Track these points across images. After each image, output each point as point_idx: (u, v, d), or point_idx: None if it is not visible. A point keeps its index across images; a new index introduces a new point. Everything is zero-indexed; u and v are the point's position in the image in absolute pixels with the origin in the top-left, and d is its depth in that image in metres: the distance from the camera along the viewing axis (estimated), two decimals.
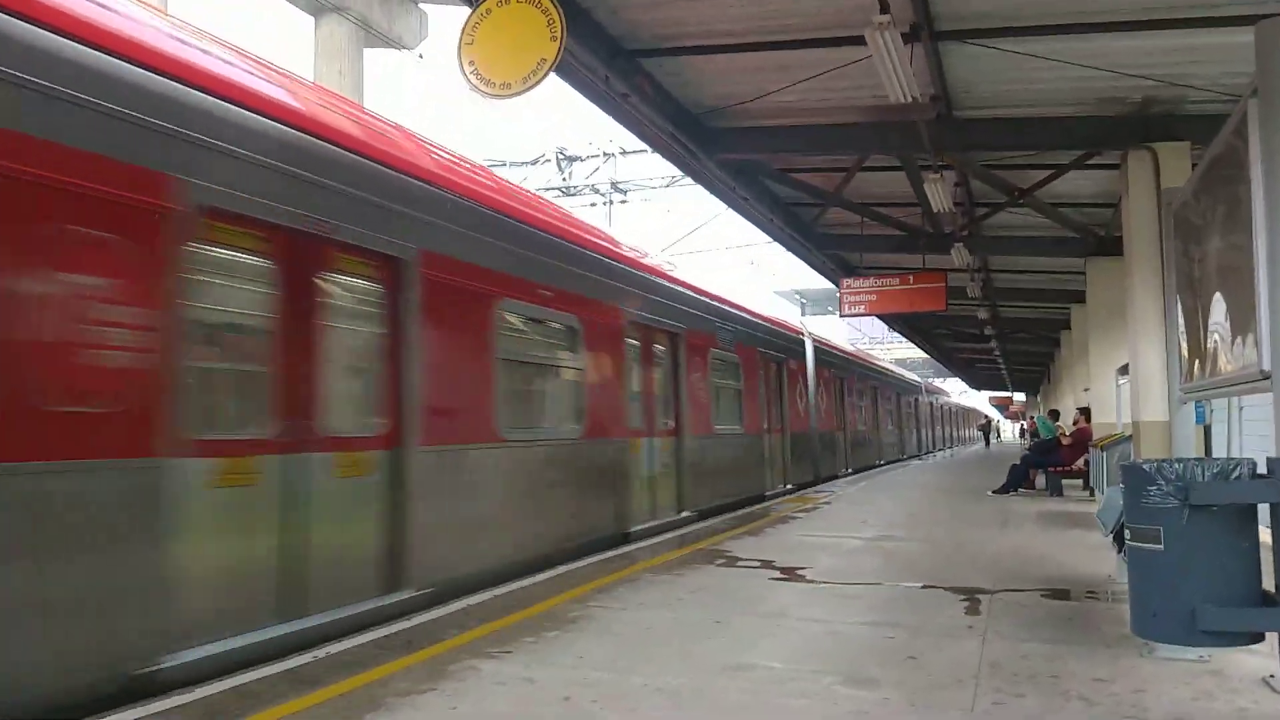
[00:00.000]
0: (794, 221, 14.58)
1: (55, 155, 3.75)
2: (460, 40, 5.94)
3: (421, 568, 5.71)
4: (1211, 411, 11.71)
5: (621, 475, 8.95)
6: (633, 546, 8.48)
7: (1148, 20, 7.39)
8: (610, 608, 5.67)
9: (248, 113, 4.72)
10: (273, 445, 4.87)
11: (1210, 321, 4.91)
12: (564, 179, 24.23)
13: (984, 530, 9.60)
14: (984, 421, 57.58)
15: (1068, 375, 21.74)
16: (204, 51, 4.74)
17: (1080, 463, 14.19)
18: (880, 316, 20.06)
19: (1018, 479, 14.55)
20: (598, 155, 24.11)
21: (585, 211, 22.47)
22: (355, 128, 5.80)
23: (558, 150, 24.13)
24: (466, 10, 6.15)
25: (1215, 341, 4.80)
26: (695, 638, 4.89)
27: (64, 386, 3.77)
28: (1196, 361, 5.33)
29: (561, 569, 7.09)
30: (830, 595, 6.08)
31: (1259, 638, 3.07)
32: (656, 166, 23.63)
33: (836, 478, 18.63)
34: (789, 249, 15.88)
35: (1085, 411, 15.13)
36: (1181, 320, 5.72)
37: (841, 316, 15.17)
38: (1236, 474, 3.00)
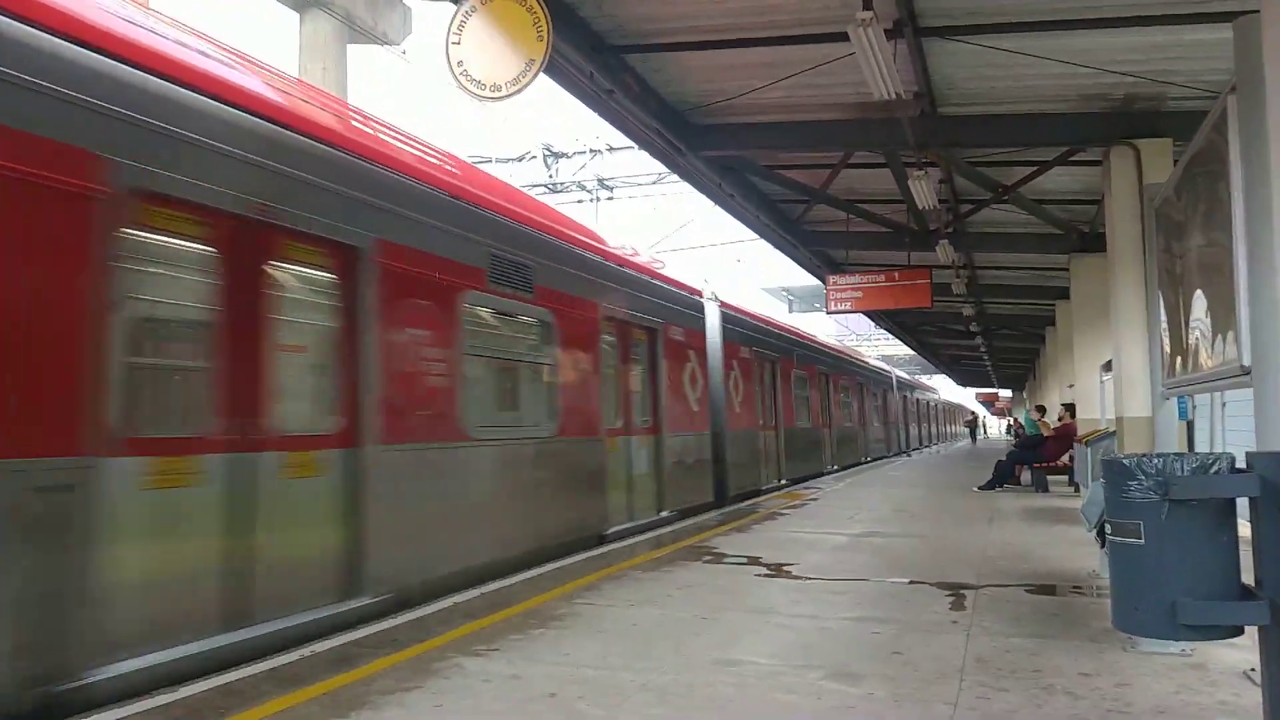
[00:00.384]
0: (780, 218, 14.61)
1: None
2: (447, 39, 5.92)
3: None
4: (1194, 407, 11.81)
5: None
6: (610, 547, 8.47)
7: (1130, 17, 7.44)
8: (597, 605, 5.67)
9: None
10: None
11: (1191, 318, 4.94)
12: (550, 175, 24.18)
13: (970, 526, 9.65)
14: (971, 417, 57.93)
15: (1053, 371, 21.86)
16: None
17: (1065, 458, 14.28)
18: (866, 313, 20.10)
19: (1004, 475, 14.64)
20: (584, 152, 24.08)
21: (571, 208, 22.45)
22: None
23: (544, 147, 24.08)
24: (451, 6, 6.13)
25: (1196, 337, 4.83)
26: (682, 634, 4.90)
27: None
28: (1178, 357, 5.36)
29: (548, 567, 7.09)
30: (817, 591, 6.10)
31: (1239, 631, 3.09)
32: (643, 163, 23.61)
33: (823, 474, 18.66)
34: (775, 246, 15.91)
35: (1070, 408, 15.22)
36: (1164, 316, 5.75)
37: (828, 313, 15.21)
38: (1215, 469, 3.01)
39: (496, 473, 7.02)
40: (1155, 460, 3.08)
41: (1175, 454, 3.13)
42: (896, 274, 14.31)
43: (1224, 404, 11.29)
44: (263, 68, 5.54)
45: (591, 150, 23.92)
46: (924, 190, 11.01)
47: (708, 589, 6.19)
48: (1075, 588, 6.11)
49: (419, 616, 5.37)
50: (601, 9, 7.87)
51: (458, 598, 5.88)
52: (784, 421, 16.40)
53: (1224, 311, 4.10)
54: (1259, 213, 3.57)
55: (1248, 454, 3.01)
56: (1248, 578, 3.07)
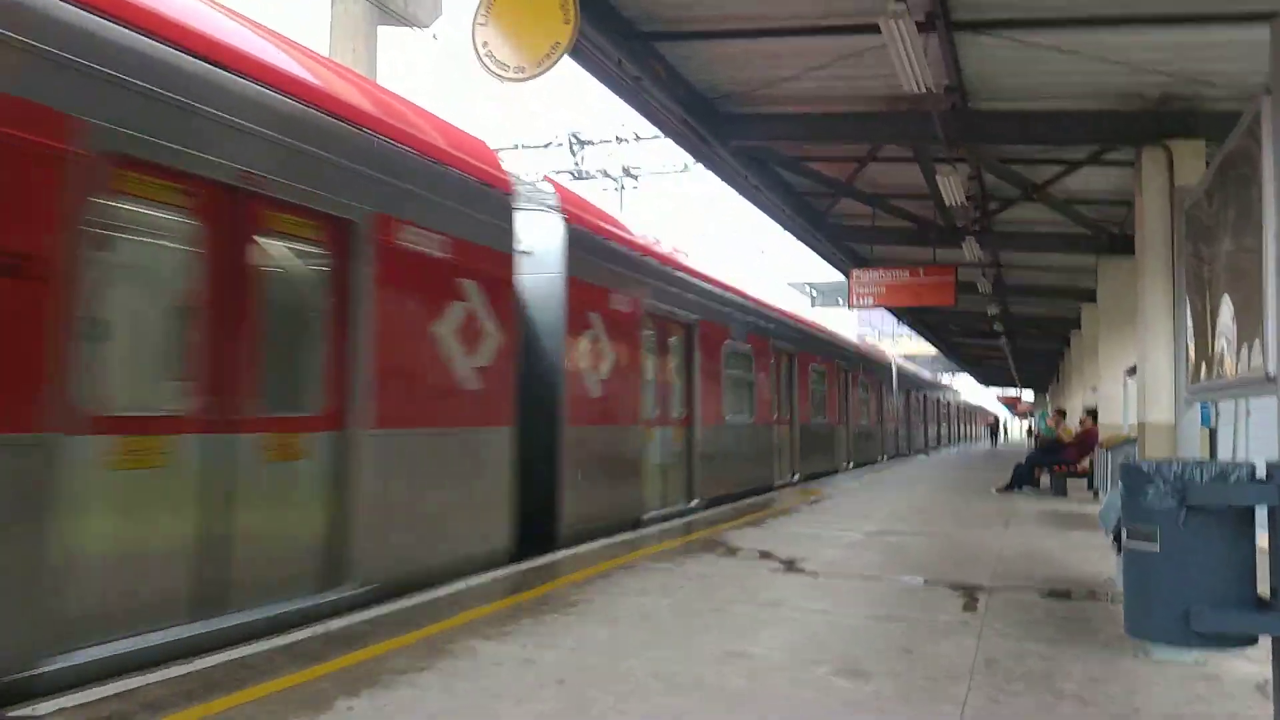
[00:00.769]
0: (805, 211, 14.53)
1: None
2: (474, 20, 5.92)
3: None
4: (1218, 415, 11.65)
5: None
6: (635, 534, 8.49)
7: (1167, 15, 7.34)
8: (610, 593, 5.69)
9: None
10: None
11: (1218, 323, 4.88)
12: (576, 163, 24.17)
13: (986, 528, 9.59)
14: (992, 420, 57.60)
15: (1077, 374, 21.66)
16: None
17: (1085, 463, 14.16)
18: (889, 309, 19.96)
19: (1022, 477, 14.53)
20: (610, 140, 24.04)
21: (597, 196, 22.41)
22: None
23: (570, 134, 24.07)
24: None
25: (1223, 344, 4.77)
26: (693, 625, 4.91)
27: None
28: (1203, 363, 5.29)
29: (561, 554, 7.11)
30: (829, 587, 6.09)
31: (1252, 640, 3.07)
32: (669, 153, 23.58)
33: (837, 472, 18.56)
34: (799, 238, 15.83)
35: (1092, 412, 15.08)
36: (1190, 321, 5.68)
37: (850, 307, 15.14)
38: (1235, 477, 2.99)
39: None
40: (1174, 466, 3.05)
41: (1194, 461, 3.10)
42: (921, 270, 14.23)
43: (1248, 412, 11.14)
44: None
45: (618, 139, 23.88)
46: (952, 186, 10.92)
47: (720, 581, 6.20)
48: (1090, 593, 6.06)
49: (433, 598, 5.41)
50: None
51: (471, 581, 5.92)
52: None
53: (1251, 318, 4.04)
54: None
55: (1268, 463, 2.98)
56: (1263, 588, 3.04)
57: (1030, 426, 41.97)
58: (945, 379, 50.89)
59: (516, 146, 23.77)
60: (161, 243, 4.49)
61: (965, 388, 62.29)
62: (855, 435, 20.97)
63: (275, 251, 4.95)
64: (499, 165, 6.83)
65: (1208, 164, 6.68)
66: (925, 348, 41.81)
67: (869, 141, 11.06)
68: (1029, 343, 30.70)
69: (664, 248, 10.71)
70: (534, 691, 3.74)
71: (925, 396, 34.98)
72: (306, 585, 4.98)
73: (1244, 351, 4.24)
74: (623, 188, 24.41)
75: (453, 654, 4.23)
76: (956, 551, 7.77)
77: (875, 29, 6.79)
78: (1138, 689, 3.91)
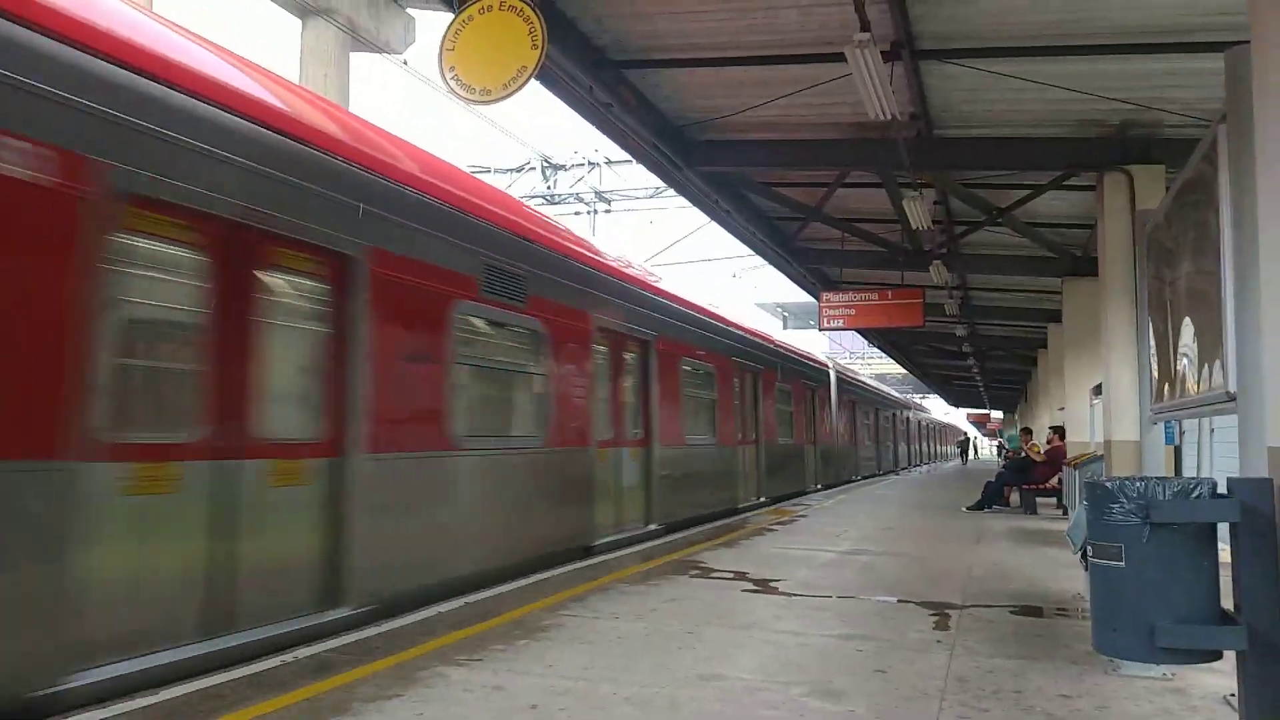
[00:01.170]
0: (775, 234, 14.67)
1: None
2: (442, 46, 5.96)
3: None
4: (1183, 433, 11.84)
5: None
6: (600, 559, 8.46)
7: (1126, 44, 7.52)
8: (582, 617, 5.66)
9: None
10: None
11: (1180, 344, 4.98)
12: (548, 187, 24.25)
13: (957, 546, 9.66)
14: (962, 438, 58.07)
15: (1044, 394, 21.94)
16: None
17: (1055, 480, 14.31)
18: (859, 331, 20.14)
19: (993, 496, 14.66)
20: (582, 164, 24.17)
21: (569, 220, 22.49)
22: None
23: (542, 158, 24.17)
24: (451, 16, 6.17)
25: (1184, 363, 4.87)
26: (667, 648, 4.90)
27: None
28: (1166, 383, 5.40)
29: (534, 578, 7.08)
30: (802, 607, 6.10)
31: (1217, 655, 3.12)
32: (641, 177, 23.70)
33: (806, 493, 18.57)
34: (770, 262, 15.98)
35: (1059, 430, 15.27)
36: (1153, 342, 5.80)
37: (821, 330, 15.26)
38: (1197, 493, 3.05)
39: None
40: (1137, 484, 3.11)
41: (1157, 478, 3.15)
42: (890, 293, 14.39)
43: (1212, 430, 11.33)
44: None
45: (590, 163, 24.01)
46: (918, 211, 11.08)
47: (693, 603, 6.19)
48: (1060, 610, 6.12)
49: (401, 625, 5.36)
50: (602, 24, 7.94)
51: (441, 607, 5.87)
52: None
53: (1211, 338, 4.13)
54: (1247, 242, 3.61)
55: (1229, 480, 3.04)
56: (1227, 603, 3.09)
57: (1002, 443, 42.35)
58: (916, 399, 51.33)
59: (489, 170, 23.82)
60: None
61: (936, 408, 62.88)
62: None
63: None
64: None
65: (1167, 188, 6.84)
66: (896, 368, 42.18)
67: (836, 168, 11.21)
68: (997, 363, 31.09)
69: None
70: (505, 717, 3.71)
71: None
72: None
73: (1205, 371, 4.34)
74: (595, 212, 24.52)
75: (423, 681, 4.19)
76: (928, 570, 7.82)
77: (842, 58, 6.90)
78: (1108, 703, 3.95)
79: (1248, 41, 3.52)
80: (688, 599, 6.34)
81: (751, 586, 6.90)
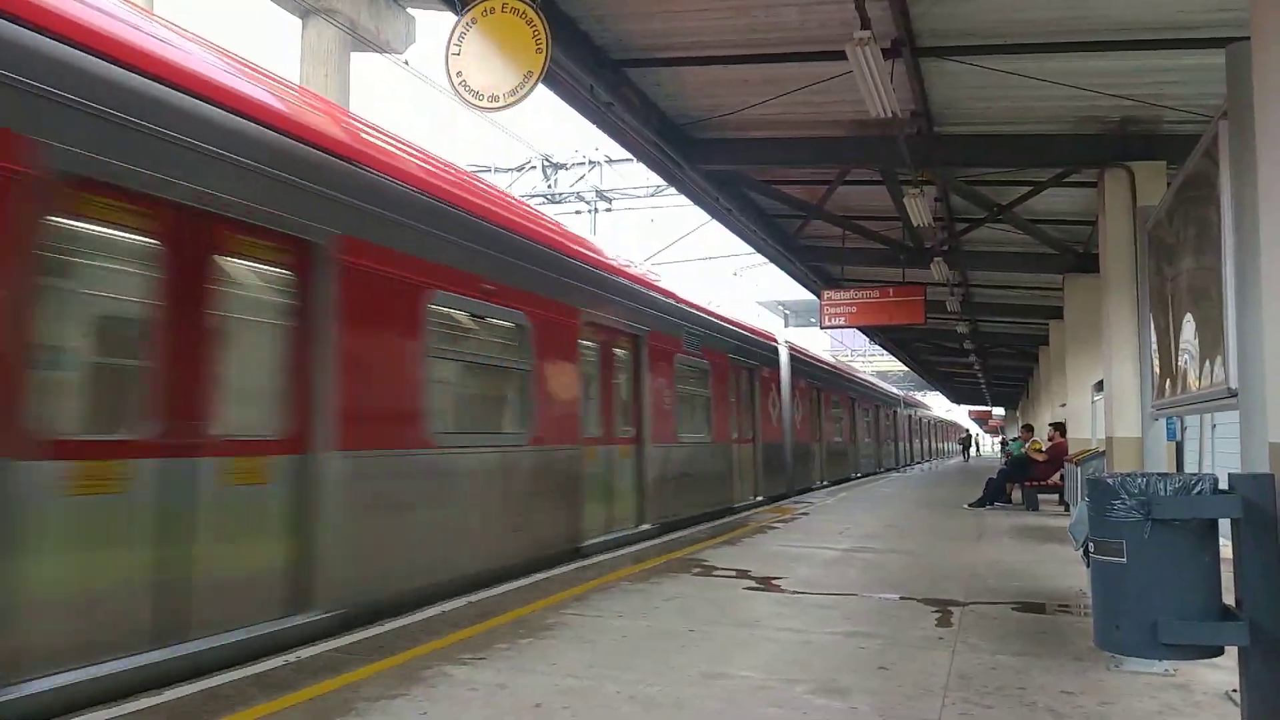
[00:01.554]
0: (776, 233, 14.67)
1: None
2: (447, 50, 5.96)
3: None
4: (1184, 429, 11.85)
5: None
6: (606, 557, 8.47)
7: (1127, 40, 7.52)
8: (586, 616, 5.67)
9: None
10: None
11: (1181, 340, 4.99)
12: (549, 186, 24.26)
13: (959, 543, 9.66)
14: (964, 435, 58.08)
15: (1046, 390, 21.92)
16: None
17: (1056, 477, 14.32)
18: (860, 328, 20.12)
19: (994, 493, 14.66)
20: (583, 163, 24.17)
21: (569, 219, 22.51)
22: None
23: (543, 157, 24.17)
24: (453, 17, 6.18)
25: (1185, 360, 4.87)
26: (670, 646, 4.91)
27: None
28: (1168, 379, 5.40)
29: (537, 577, 7.09)
30: (805, 605, 6.11)
31: (1219, 651, 3.12)
32: (642, 175, 23.71)
33: (810, 490, 18.55)
34: (771, 260, 15.98)
35: (1060, 426, 15.27)
36: (1154, 338, 5.80)
37: (822, 327, 15.25)
38: (1198, 489, 3.05)
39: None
40: (1139, 480, 3.11)
41: (1159, 474, 3.16)
42: (891, 290, 14.38)
43: (1214, 425, 11.34)
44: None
45: (590, 162, 24.01)
46: (919, 208, 11.07)
47: (696, 601, 6.20)
48: (1062, 606, 6.12)
49: (405, 624, 5.37)
50: (603, 24, 7.94)
51: (445, 606, 5.88)
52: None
53: (1213, 334, 4.14)
54: (1248, 238, 3.61)
55: (1230, 475, 3.05)
56: (1228, 598, 3.09)
57: (1003, 440, 42.40)
58: (918, 396, 51.28)
59: (490, 169, 23.83)
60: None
61: (937, 405, 62.84)
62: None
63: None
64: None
65: (1168, 185, 6.84)
66: (898, 365, 42.19)
67: (837, 165, 11.21)
68: (999, 360, 31.06)
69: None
70: (509, 717, 3.72)
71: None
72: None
73: (1206, 367, 4.34)
74: (595, 210, 24.52)
75: (426, 680, 4.20)
76: (930, 567, 7.82)
77: (843, 55, 6.90)
78: (1110, 700, 3.96)
79: (1249, 37, 3.52)
80: (690, 597, 6.35)
81: (755, 584, 6.91)
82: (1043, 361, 23.12)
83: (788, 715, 3.77)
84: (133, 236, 4.40)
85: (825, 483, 19.41)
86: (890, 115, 7.77)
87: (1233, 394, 3.67)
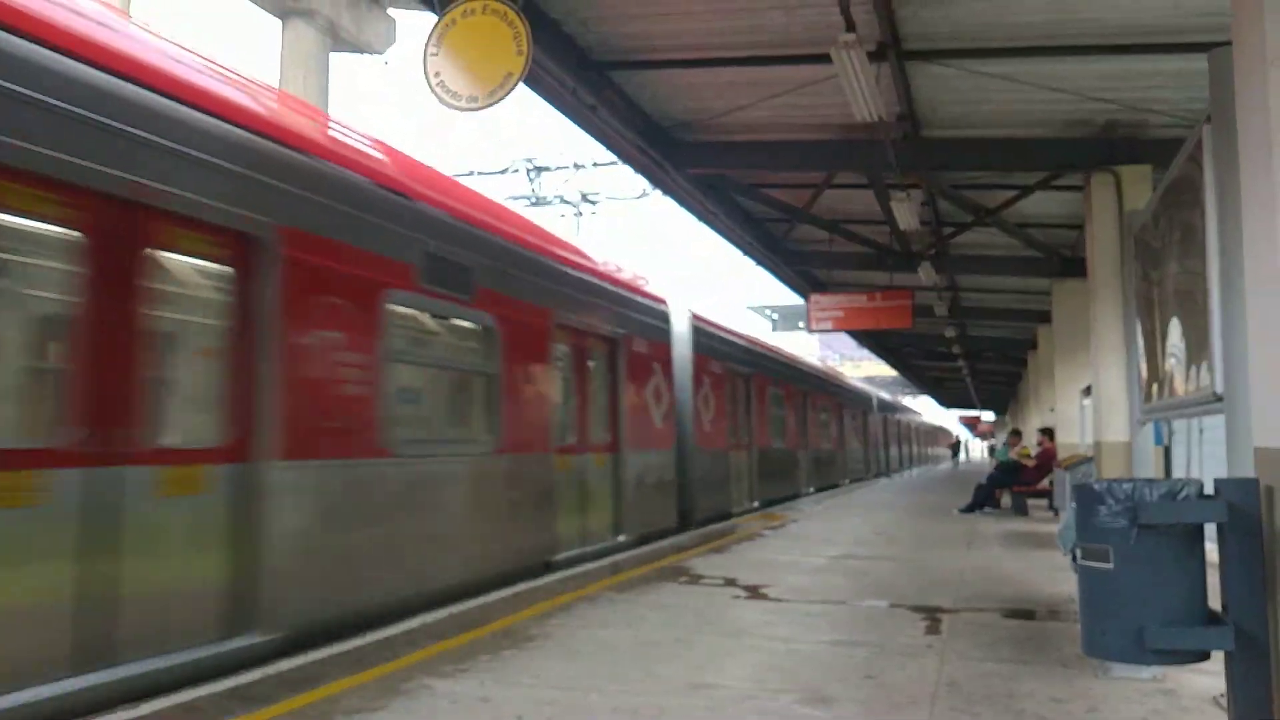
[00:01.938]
0: (763, 236, 14.65)
1: None
2: (425, 51, 5.91)
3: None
4: (1172, 433, 11.88)
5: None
6: (591, 566, 8.41)
7: (1113, 45, 7.53)
8: (570, 626, 5.61)
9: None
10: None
11: (1168, 344, 4.98)
12: (533, 189, 24.22)
13: (948, 549, 9.64)
14: (954, 440, 58.26)
15: (1034, 395, 21.98)
16: None
17: (1045, 482, 14.33)
18: (849, 332, 20.11)
19: (983, 498, 14.66)
20: (567, 166, 24.15)
21: (554, 222, 22.47)
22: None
23: (526, 161, 24.12)
24: (433, 18, 6.13)
25: (1172, 363, 4.87)
26: (656, 656, 4.85)
27: None
28: (1155, 383, 5.40)
29: (520, 587, 7.02)
30: (793, 613, 6.06)
31: (1205, 656, 3.10)
32: (627, 179, 23.70)
33: (799, 497, 18.49)
34: (758, 263, 15.94)
35: (1049, 431, 15.29)
36: (1141, 342, 5.80)
37: (810, 331, 15.23)
38: (1184, 494, 3.03)
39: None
40: (1125, 485, 3.09)
41: (1145, 480, 3.13)
42: (879, 294, 14.38)
43: (1201, 430, 11.37)
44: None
45: (575, 165, 23.98)
46: (906, 212, 11.07)
47: (683, 610, 6.14)
48: (1052, 613, 6.09)
49: (386, 636, 5.30)
50: (586, 26, 7.90)
51: (426, 618, 5.81)
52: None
53: (1198, 339, 4.13)
54: (1232, 242, 3.60)
55: (1216, 480, 3.03)
56: (1214, 603, 3.07)
57: (992, 446, 42.56)
58: (906, 401, 51.40)
59: (473, 173, 23.78)
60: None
61: (926, 409, 63.00)
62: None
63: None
64: None
65: (1154, 188, 6.84)
66: (886, 370, 42.27)
67: (823, 169, 11.20)
68: (988, 364, 31.13)
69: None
70: None
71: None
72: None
73: (1193, 371, 4.33)
74: (580, 213, 24.48)
75: (408, 693, 4.14)
76: (919, 574, 7.79)
77: (828, 59, 6.88)
78: (1098, 706, 3.92)
79: (1230, 42, 3.51)
80: (677, 606, 6.29)
81: (742, 593, 6.86)
82: (1031, 366, 23.18)
83: None
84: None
85: (755, 503, 15.45)
86: (876, 119, 7.76)
87: (1218, 398, 3.65)
